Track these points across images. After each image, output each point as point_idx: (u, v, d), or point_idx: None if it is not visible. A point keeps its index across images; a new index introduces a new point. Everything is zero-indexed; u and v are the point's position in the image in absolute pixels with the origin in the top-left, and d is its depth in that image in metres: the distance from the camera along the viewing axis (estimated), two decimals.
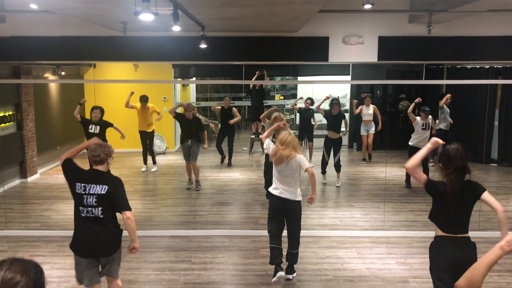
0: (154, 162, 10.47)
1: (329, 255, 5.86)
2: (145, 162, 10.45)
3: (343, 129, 9.38)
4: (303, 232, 6.48)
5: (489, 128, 10.76)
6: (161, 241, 6.31)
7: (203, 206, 7.84)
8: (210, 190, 8.85)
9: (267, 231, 5.20)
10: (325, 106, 9.82)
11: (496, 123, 10.86)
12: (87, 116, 8.59)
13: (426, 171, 8.78)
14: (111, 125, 8.49)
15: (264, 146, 5.30)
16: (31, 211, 7.62)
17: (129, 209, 3.93)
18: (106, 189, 3.84)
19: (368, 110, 11.00)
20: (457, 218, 3.63)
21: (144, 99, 10.33)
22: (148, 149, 10.45)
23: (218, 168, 10.55)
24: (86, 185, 3.87)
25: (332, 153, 9.09)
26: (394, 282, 5.14)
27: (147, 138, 10.44)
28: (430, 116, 8.87)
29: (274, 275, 4.98)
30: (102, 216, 3.87)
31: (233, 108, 10.97)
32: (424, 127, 8.76)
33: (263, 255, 5.71)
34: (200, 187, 8.80)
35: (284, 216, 5.06)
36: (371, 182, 9.46)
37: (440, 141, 3.76)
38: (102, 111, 8.35)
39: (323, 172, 9.22)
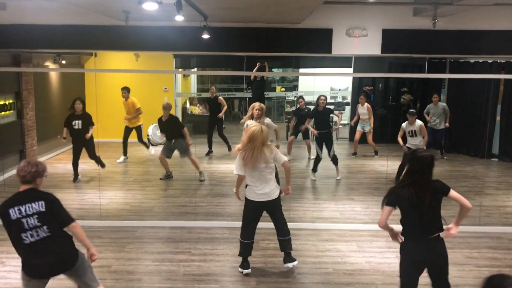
0: (148, 147, 10.56)
1: (329, 248, 5.85)
2: (125, 153, 10.32)
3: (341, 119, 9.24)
4: (303, 225, 6.52)
5: (491, 123, 10.72)
6: (161, 232, 6.31)
7: (203, 197, 7.83)
8: (210, 182, 8.84)
9: (240, 230, 5.11)
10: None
11: (498, 118, 10.82)
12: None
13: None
14: (91, 123, 8.47)
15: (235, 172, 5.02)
16: None
17: (73, 220, 3.62)
18: (44, 204, 3.50)
19: (363, 109, 10.93)
20: (426, 220, 3.66)
21: (125, 89, 10.08)
22: (138, 140, 10.48)
23: (218, 159, 10.52)
24: (21, 206, 3.45)
25: (325, 148, 8.91)
26: (393, 276, 5.12)
27: (130, 133, 10.29)
28: (419, 122, 8.34)
29: (243, 268, 5.09)
30: (50, 233, 3.51)
31: (219, 97, 11.01)
32: (410, 134, 8.39)
33: (263, 247, 5.71)
34: (204, 177, 8.82)
35: (266, 212, 5.05)
36: (372, 175, 9.45)
37: (399, 239, 3.89)
38: (83, 102, 8.48)
39: (314, 170, 8.98)
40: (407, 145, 8.53)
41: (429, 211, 3.61)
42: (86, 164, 9.06)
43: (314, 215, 7.06)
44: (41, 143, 10.13)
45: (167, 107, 8.61)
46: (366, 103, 10.96)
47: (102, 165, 8.83)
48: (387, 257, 5.60)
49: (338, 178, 9.03)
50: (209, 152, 10.92)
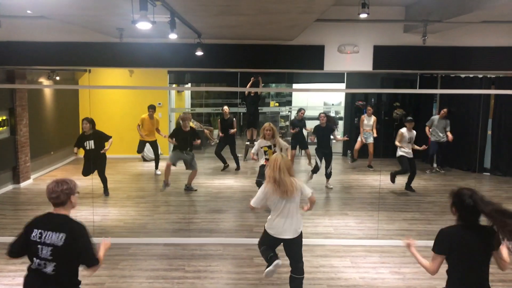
0: (157, 167, 10.73)
1: (323, 264, 5.85)
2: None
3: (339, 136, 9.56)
4: None
5: (482, 137, 10.83)
6: (155, 249, 6.28)
7: (197, 213, 7.82)
8: (204, 198, 8.83)
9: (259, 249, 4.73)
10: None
11: (490, 132, 10.93)
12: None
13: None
14: (106, 138, 8.48)
15: (259, 205, 4.61)
16: (24, 217, 7.54)
17: (98, 261, 3.26)
18: (64, 238, 3.12)
19: (370, 121, 11.10)
20: (475, 272, 3.23)
21: (152, 108, 10.49)
22: (154, 155, 10.81)
23: (213, 175, 10.53)
24: (43, 231, 3.16)
25: (324, 163, 9.35)
26: None
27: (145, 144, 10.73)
28: (414, 132, 9.00)
29: (270, 265, 4.50)
30: (53, 273, 3.15)
31: (234, 119, 11.25)
32: (409, 141, 8.92)
33: (257, 263, 5.69)
34: (195, 189, 9.05)
35: (284, 247, 4.61)
36: (366, 190, 9.48)
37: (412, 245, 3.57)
38: (91, 121, 8.33)
39: (311, 177, 9.51)
40: (402, 153, 8.92)
41: (481, 266, 3.20)
42: (80, 181, 9.00)
43: (308, 231, 7.04)
44: (34, 160, 10.10)
45: (186, 118, 8.93)
46: (373, 116, 11.11)
47: (106, 191, 8.76)
48: (380, 272, 5.61)
49: (331, 187, 9.46)
50: (226, 167, 10.99)
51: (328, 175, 9.40)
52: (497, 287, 5.28)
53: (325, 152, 9.28)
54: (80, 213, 7.74)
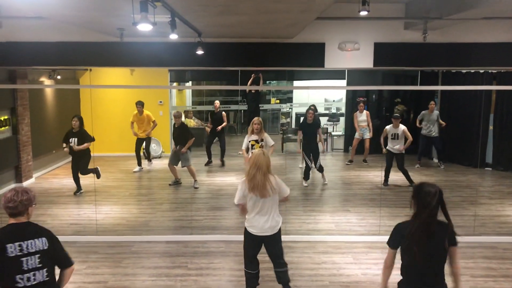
0: (149, 160, 10.73)
1: (325, 260, 5.88)
2: (139, 163, 10.68)
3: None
4: (299, 238, 6.54)
5: (484, 133, 10.82)
6: (157, 247, 6.32)
7: (199, 211, 7.85)
8: (206, 195, 8.87)
9: (244, 260, 4.81)
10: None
11: (491, 127, 10.93)
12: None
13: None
14: (89, 139, 8.54)
15: (239, 201, 4.66)
16: None
17: (73, 262, 3.24)
18: (46, 241, 3.04)
19: (362, 116, 11.13)
20: (427, 267, 3.20)
21: (140, 104, 10.44)
22: (144, 149, 10.77)
23: (214, 172, 10.56)
24: (22, 243, 2.97)
25: (312, 159, 9.38)
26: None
27: (142, 142, 10.73)
28: (402, 126, 9.04)
29: None
30: (48, 278, 3.06)
31: (223, 112, 11.29)
32: (393, 137, 9.03)
33: (260, 260, 5.71)
34: (198, 186, 9.13)
35: (264, 245, 4.70)
36: (367, 186, 9.50)
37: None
38: (80, 119, 8.50)
39: (307, 178, 9.41)
40: (387, 147, 9.19)
41: (433, 261, 3.18)
42: (82, 179, 9.08)
43: (309, 227, 7.09)
44: (36, 159, 10.14)
45: (177, 115, 9.10)
46: (364, 110, 11.14)
47: (98, 176, 8.84)
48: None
49: (326, 182, 9.44)
50: (209, 163, 11.06)
51: (320, 169, 9.33)
52: (499, 282, 5.30)
53: (311, 148, 9.23)
54: (82, 211, 7.81)
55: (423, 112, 10.90)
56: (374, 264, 5.76)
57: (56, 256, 3.13)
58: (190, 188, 9.07)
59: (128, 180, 10.10)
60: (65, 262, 3.19)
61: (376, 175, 10.18)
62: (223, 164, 11.16)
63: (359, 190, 9.24)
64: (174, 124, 9.28)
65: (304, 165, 9.47)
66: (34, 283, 3.00)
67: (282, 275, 4.80)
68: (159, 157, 12.14)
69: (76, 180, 8.71)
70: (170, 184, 9.30)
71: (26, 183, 9.52)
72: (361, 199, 8.56)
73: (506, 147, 10.71)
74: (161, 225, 7.24)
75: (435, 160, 11.81)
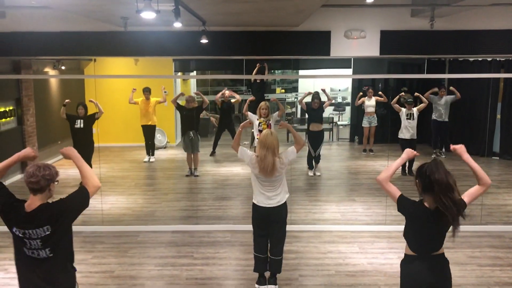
0: (152, 154, 10.67)
1: (331, 249, 5.87)
2: (148, 153, 10.66)
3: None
4: (304, 227, 6.53)
5: (491, 121, 10.72)
6: (163, 236, 6.33)
7: (204, 200, 7.85)
8: (211, 185, 8.87)
9: (253, 243, 4.89)
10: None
11: (499, 116, 10.83)
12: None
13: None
14: (94, 116, 8.61)
15: (238, 155, 4.74)
16: None
17: (84, 187, 3.29)
18: (49, 228, 3.03)
19: (371, 102, 11.04)
20: (432, 239, 3.26)
21: (147, 90, 10.44)
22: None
23: (220, 162, 10.54)
24: (26, 231, 3.02)
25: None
26: (395, 276, 5.11)
27: (149, 132, 10.62)
28: (414, 108, 9.28)
29: (259, 284, 4.87)
30: (51, 255, 3.09)
31: (232, 100, 11.17)
32: (408, 117, 9.20)
33: None
34: (198, 175, 9.16)
35: (268, 223, 4.77)
36: (373, 176, 9.45)
37: (414, 152, 3.54)
38: (85, 107, 8.62)
39: (311, 167, 9.36)
40: (400, 136, 9.29)
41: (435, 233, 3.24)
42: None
43: (315, 217, 7.07)
44: (42, 149, 10.16)
45: (190, 100, 9.23)
46: (373, 96, 11.05)
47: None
48: (389, 258, 5.62)
49: (318, 174, 9.33)
50: (213, 153, 11.03)
51: (317, 159, 9.23)
52: (505, 271, 5.27)
53: (316, 134, 9.13)
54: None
55: (433, 97, 10.75)
56: (380, 253, 5.75)
57: (72, 219, 3.16)
58: (195, 178, 9.05)
59: (134, 171, 10.11)
60: (84, 203, 3.26)
61: (382, 164, 10.12)
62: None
63: (365, 179, 9.20)
64: (184, 106, 9.17)
65: (308, 154, 9.39)
66: (39, 257, 3.07)
67: (275, 264, 4.81)
68: (164, 147, 12.13)
69: None
70: (187, 175, 9.21)
71: None
72: (367, 188, 8.53)
73: None
74: (167, 215, 7.25)
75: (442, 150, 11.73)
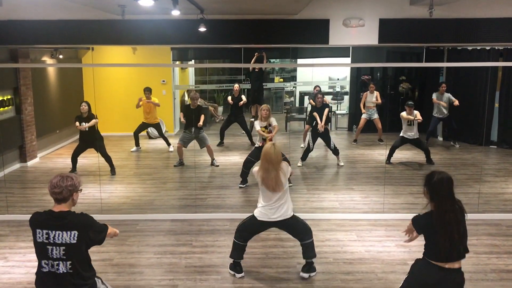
0: (169, 144, 10.75)
1: (329, 238, 5.91)
2: (137, 144, 10.74)
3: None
4: (303, 216, 6.47)
5: (489, 110, 10.73)
6: (162, 225, 6.36)
7: (203, 189, 7.87)
8: (210, 174, 8.89)
9: (236, 232, 4.94)
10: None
11: (497, 105, 10.83)
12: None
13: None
14: (95, 118, 8.61)
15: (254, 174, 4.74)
16: (31, 195, 7.65)
17: (105, 238, 3.31)
18: (76, 235, 3.06)
19: (372, 98, 11.05)
20: (453, 245, 3.31)
21: (148, 90, 10.47)
22: (160, 135, 10.83)
23: (218, 151, 10.55)
24: (50, 232, 3.04)
25: (324, 144, 9.47)
26: (393, 264, 5.19)
27: (146, 127, 10.81)
28: (415, 112, 9.12)
29: (232, 270, 4.95)
30: (71, 271, 3.08)
31: (243, 96, 11.19)
32: (409, 123, 9.14)
33: (263, 238, 5.75)
34: (218, 165, 9.35)
35: (281, 229, 4.88)
36: (371, 164, 9.49)
37: (414, 234, 3.63)
38: (88, 104, 8.58)
39: (303, 159, 9.33)
40: (402, 134, 9.25)
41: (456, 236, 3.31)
42: (86, 159, 9.10)
43: (313, 206, 7.10)
44: (40, 138, 10.15)
45: (194, 97, 9.23)
46: (375, 91, 11.05)
47: (112, 170, 8.81)
48: (386, 245, 5.66)
49: (341, 164, 9.34)
50: (220, 144, 11.06)
51: (335, 152, 9.25)
52: (502, 258, 5.31)
53: (321, 133, 9.08)
54: (87, 191, 7.84)
55: (434, 93, 10.73)
56: (378, 241, 5.79)
57: (89, 245, 3.20)
58: (193, 167, 9.06)
59: (132, 160, 10.12)
60: (100, 241, 3.26)
61: (380, 153, 10.16)
62: (253, 144, 11.00)
63: (363, 168, 9.23)
64: (189, 105, 9.26)
65: (306, 146, 9.40)
66: (57, 272, 3.07)
67: (310, 249, 4.85)
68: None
69: (74, 161, 8.72)
70: (175, 165, 9.32)
71: (30, 163, 9.55)
72: (365, 177, 8.56)
73: None
74: (166, 203, 7.27)
75: (440, 139, 11.75)
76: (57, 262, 3.06)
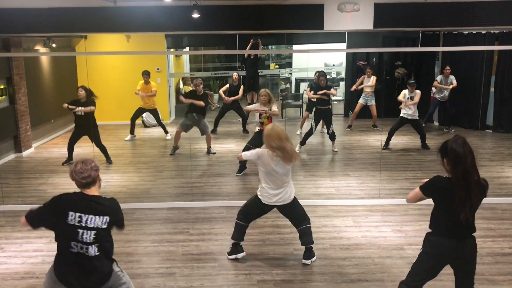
0: (166, 132, 10.74)
1: (325, 224, 5.92)
2: (132, 132, 10.70)
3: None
4: (300, 202, 6.55)
5: (485, 94, 10.73)
6: (159, 213, 6.36)
7: (199, 177, 7.87)
8: (206, 162, 8.87)
9: (239, 213, 4.98)
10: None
11: (492, 89, 10.83)
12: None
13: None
14: (94, 106, 8.49)
15: (246, 158, 4.89)
16: (27, 186, 7.62)
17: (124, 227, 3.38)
18: (108, 220, 3.13)
19: (369, 82, 11.00)
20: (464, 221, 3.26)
21: (146, 74, 10.43)
22: (157, 122, 10.84)
23: (214, 139, 10.51)
24: (83, 215, 3.07)
25: (324, 125, 9.41)
26: (389, 249, 5.22)
27: (142, 112, 10.77)
28: (417, 91, 9.21)
29: (233, 254, 4.98)
30: (98, 253, 3.15)
31: (242, 85, 11.19)
32: (409, 98, 9.23)
33: (260, 225, 5.76)
34: (215, 152, 9.37)
35: (280, 212, 4.92)
36: (367, 150, 9.49)
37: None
38: (86, 90, 8.42)
39: (303, 143, 9.24)
40: (402, 114, 9.29)
41: (471, 211, 3.25)
42: (81, 148, 9.05)
43: (310, 192, 7.11)
44: (35, 128, 10.09)
45: (197, 83, 9.24)
46: (372, 76, 11.00)
47: (108, 159, 8.75)
48: (383, 231, 5.68)
49: (336, 150, 9.30)
50: (213, 131, 11.06)
51: (331, 136, 9.20)
52: (497, 242, 5.35)
53: (323, 112, 9.09)
54: None
55: (440, 76, 10.70)
56: (374, 227, 5.81)
57: (114, 229, 3.29)
58: (189, 155, 9.04)
59: (128, 148, 10.09)
60: (121, 227, 3.32)
61: (376, 139, 10.15)
62: (246, 132, 11.14)
63: (359, 154, 9.23)
64: (195, 91, 9.19)
65: (308, 129, 9.25)
66: (86, 254, 3.11)
67: (308, 233, 4.87)
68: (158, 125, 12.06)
69: (71, 150, 8.68)
70: (170, 154, 9.28)
71: (25, 153, 9.50)
72: (361, 163, 8.56)
73: (507, 109, 10.65)
74: (162, 192, 7.27)
75: (436, 124, 11.76)
76: (86, 246, 3.09)
